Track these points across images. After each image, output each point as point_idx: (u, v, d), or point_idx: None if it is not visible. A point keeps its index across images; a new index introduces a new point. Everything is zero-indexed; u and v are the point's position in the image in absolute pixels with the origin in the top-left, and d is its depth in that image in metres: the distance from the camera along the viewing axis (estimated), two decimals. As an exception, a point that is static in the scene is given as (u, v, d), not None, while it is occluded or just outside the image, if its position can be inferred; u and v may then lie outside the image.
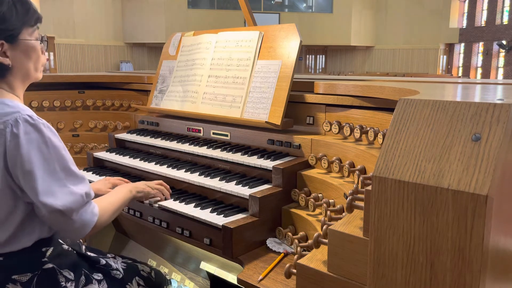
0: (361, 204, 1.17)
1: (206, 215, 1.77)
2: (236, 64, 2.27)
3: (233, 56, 2.31)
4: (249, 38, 2.26)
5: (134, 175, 2.34)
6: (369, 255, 0.99)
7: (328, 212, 1.53)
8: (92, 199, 1.40)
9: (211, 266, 2.19)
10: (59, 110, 2.96)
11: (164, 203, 1.90)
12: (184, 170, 2.12)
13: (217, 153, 2.11)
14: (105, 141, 2.87)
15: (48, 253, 1.40)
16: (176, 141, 2.38)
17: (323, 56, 22.41)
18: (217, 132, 2.32)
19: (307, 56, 22.26)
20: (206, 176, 2.01)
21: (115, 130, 2.92)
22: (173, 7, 18.17)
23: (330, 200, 1.70)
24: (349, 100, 1.95)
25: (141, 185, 1.82)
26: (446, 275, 0.88)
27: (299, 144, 1.99)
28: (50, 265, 1.39)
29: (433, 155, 0.91)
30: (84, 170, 2.48)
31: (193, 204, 1.87)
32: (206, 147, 2.22)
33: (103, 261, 1.59)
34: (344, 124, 1.89)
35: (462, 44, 22.77)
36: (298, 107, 2.14)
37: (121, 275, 1.62)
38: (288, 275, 1.38)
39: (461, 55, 23.18)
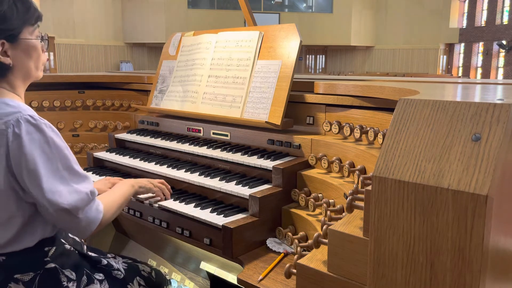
0: (361, 204, 1.17)
1: (206, 215, 1.77)
2: (236, 64, 2.27)
3: (233, 56, 2.31)
4: (249, 38, 2.26)
5: (134, 175, 2.34)
6: (369, 255, 0.99)
7: (328, 212, 1.53)
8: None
9: (211, 266, 2.19)
10: (59, 110, 2.96)
11: (164, 203, 1.91)
12: (184, 170, 2.12)
13: (217, 153, 2.11)
14: (105, 141, 2.87)
15: (51, 252, 1.40)
16: (176, 141, 2.38)
17: (323, 56, 22.41)
18: (217, 132, 2.32)
19: (307, 56, 22.26)
20: (206, 176, 2.01)
21: (115, 130, 2.92)
22: (173, 7, 18.17)
23: (330, 200, 1.70)
24: (349, 100, 1.95)
25: (143, 181, 1.83)
26: (446, 275, 0.88)
27: (299, 144, 1.99)
28: (52, 265, 1.39)
29: (433, 155, 0.91)
30: (84, 170, 2.48)
31: (193, 204, 1.87)
32: (206, 147, 2.22)
33: (104, 261, 1.59)
34: (344, 124, 1.89)
35: (462, 44, 22.78)
36: (298, 107, 2.14)
37: (122, 275, 1.62)
38: (288, 275, 1.38)
39: (461, 55, 23.19)
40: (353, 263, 1.12)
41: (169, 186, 1.99)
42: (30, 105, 2.75)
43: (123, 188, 1.68)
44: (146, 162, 2.30)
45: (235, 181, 1.92)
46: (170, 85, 2.64)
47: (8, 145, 1.25)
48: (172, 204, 1.90)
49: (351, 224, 1.18)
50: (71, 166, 1.33)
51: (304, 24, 18.82)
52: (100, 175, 2.36)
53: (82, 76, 3.14)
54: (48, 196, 1.26)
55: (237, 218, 1.74)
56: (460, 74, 22.64)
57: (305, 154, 1.97)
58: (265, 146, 2.12)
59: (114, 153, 2.52)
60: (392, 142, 0.97)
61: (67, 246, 1.47)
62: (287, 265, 1.39)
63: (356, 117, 1.92)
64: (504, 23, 20.60)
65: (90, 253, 1.58)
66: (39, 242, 1.37)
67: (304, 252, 1.47)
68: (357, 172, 1.65)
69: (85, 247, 1.59)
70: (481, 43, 22.05)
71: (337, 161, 1.81)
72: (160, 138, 2.48)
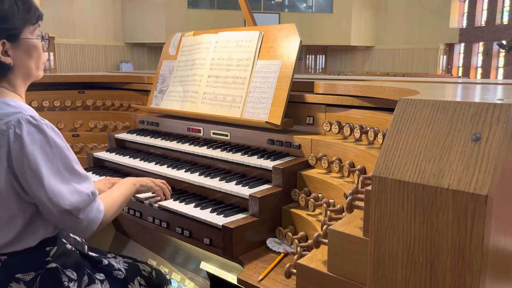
0: (361, 204, 1.17)
1: (206, 215, 1.77)
2: (236, 64, 2.27)
3: (233, 56, 2.31)
4: (249, 38, 2.26)
5: (134, 175, 2.33)
6: (369, 255, 0.99)
7: (328, 212, 1.53)
8: None
9: (211, 266, 2.19)
10: (59, 110, 2.96)
11: (164, 203, 1.91)
12: (184, 170, 2.12)
13: (217, 153, 2.11)
14: (105, 141, 2.87)
15: (52, 252, 1.40)
16: (176, 141, 2.38)
17: (323, 56, 22.41)
18: (217, 132, 2.32)
19: (307, 56, 22.26)
20: (206, 176, 2.01)
21: (115, 130, 2.92)
22: (173, 7, 18.17)
23: (330, 200, 1.70)
24: (349, 100, 1.95)
25: (145, 179, 1.83)
26: (446, 275, 0.88)
27: (299, 144, 1.99)
28: (53, 265, 1.40)
29: (433, 155, 0.91)
30: (84, 170, 2.48)
31: (193, 204, 1.87)
32: (206, 147, 2.22)
33: (105, 261, 1.59)
34: (344, 124, 1.89)
35: (462, 44, 22.78)
36: (298, 107, 2.14)
37: (123, 275, 1.62)
38: (288, 275, 1.38)
39: (461, 55, 23.19)
40: (353, 263, 1.12)
41: (170, 187, 1.99)
42: (30, 105, 2.74)
43: (124, 186, 1.68)
44: (146, 162, 2.30)
45: (235, 181, 1.92)
46: (170, 85, 2.64)
47: (10, 146, 1.25)
48: (172, 204, 1.90)
49: (351, 224, 1.18)
50: (72, 166, 1.33)
51: (304, 24, 18.82)
52: (100, 175, 2.36)
53: (82, 76, 3.14)
54: (51, 197, 1.26)
55: (237, 218, 1.74)
56: (460, 74, 22.64)
57: (305, 154, 1.97)
58: (265, 146, 2.12)
59: (114, 153, 2.52)
60: (392, 142, 0.97)
61: (69, 246, 1.48)
62: (287, 265, 1.39)
63: (356, 117, 1.92)
64: (504, 23, 20.60)
65: (91, 253, 1.58)
66: (40, 242, 1.37)
67: (304, 252, 1.47)
68: (357, 172, 1.65)
69: (86, 247, 1.60)
70: (481, 43, 22.05)
71: (337, 161, 1.81)
72: (160, 138, 2.48)
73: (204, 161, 2.20)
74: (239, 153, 2.07)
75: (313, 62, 22.55)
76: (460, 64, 23.25)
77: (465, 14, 22.57)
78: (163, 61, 2.78)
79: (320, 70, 22.48)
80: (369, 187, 1.01)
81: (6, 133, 1.25)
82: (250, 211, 1.77)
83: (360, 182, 1.42)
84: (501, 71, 21.36)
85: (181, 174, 2.07)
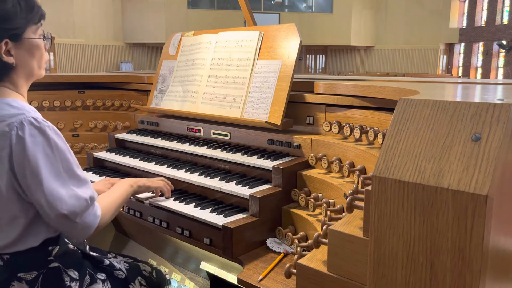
0: (361, 204, 1.17)
1: (206, 215, 1.77)
2: (236, 64, 2.27)
3: (233, 56, 2.31)
4: (249, 38, 2.26)
5: (134, 175, 2.34)
6: (369, 255, 0.99)
7: (328, 212, 1.53)
8: None
9: (211, 266, 2.19)
10: (59, 110, 2.96)
11: (164, 203, 1.91)
12: (184, 170, 2.12)
13: (217, 153, 2.11)
14: (105, 141, 2.87)
15: (54, 252, 1.40)
16: (176, 141, 2.38)
17: (323, 56, 22.41)
18: (217, 132, 2.32)
19: (307, 56, 22.26)
20: (206, 176, 2.01)
21: (115, 130, 2.92)
22: (173, 7, 18.17)
23: (330, 200, 1.70)
24: (349, 100, 1.95)
25: (142, 179, 1.83)
26: (446, 275, 0.88)
27: (299, 144, 1.99)
28: (55, 264, 1.40)
29: (433, 155, 0.91)
30: (84, 170, 2.48)
31: (193, 204, 1.87)
32: (206, 147, 2.22)
33: (106, 261, 1.60)
34: (344, 124, 1.89)
35: (462, 44, 22.78)
36: (298, 107, 2.14)
37: (124, 275, 1.62)
38: (288, 275, 1.38)
39: (461, 55, 23.19)
40: (353, 263, 1.12)
41: (169, 182, 1.99)
42: (30, 105, 2.75)
43: (121, 188, 1.67)
44: (146, 162, 2.30)
45: (235, 181, 1.92)
46: (170, 85, 2.64)
47: (12, 147, 1.25)
48: (172, 204, 1.90)
49: (351, 224, 1.18)
50: (72, 169, 1.33)
51: (304, 24, 18.82)
52: (100, 175, 2.36)
53: (82, 76, 3.14)
54: (49, 199, 1.26)
55: (237, 218, 1.74)
56: (460, 74, 22.64)
57: (305, 154, 1.97)
58: (265, 146, 2.12)
59: (114, 153, 2.52)
60: (392, 142, 0.97)
61: (71, 246, 1.48)
62: (287, 265, 1.39)
63: (356, 117, 1.92)
64: (504, 23, 20.61)
65: (92, 253, 1.58)
66: (43, 242, 1.38)
67: (304, 252, 1.47)
68: (357, 172, 1.65)
69: (87, 247, 1.60)
70: (481, 43, 22.06)
71: (337, 161, 1.81)
72: (160, 138, 2.48)
73: (204, 161, 2.20)
74: (239, 153, 2.07)
75: (313, 62, 22.56)
76: (460, 64, 23.26)
77: (465, 14, 22.57)
78: (163, 61, 2.78)
79: (320, 70, 22.48)
80: (369, 187, 1.01)
81: (9, 135, 1.25)
82: (250, 211, 1.77)
83: (360, 182, 1.42)
84: (501, 71, 21.36)
85: (181, 174, 2.07)
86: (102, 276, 1.55)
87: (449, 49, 22.81)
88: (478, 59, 22.46)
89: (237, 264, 1.71)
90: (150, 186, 1.86)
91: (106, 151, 2.59)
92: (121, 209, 1.64)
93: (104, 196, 1.56)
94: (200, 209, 1.83)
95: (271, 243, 1.75)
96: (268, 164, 1.89)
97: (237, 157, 2.02)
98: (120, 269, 1.63)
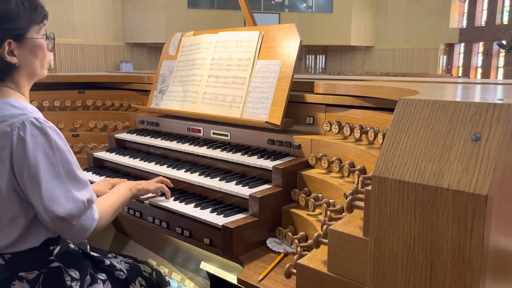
0: (361, 204, 1.17)
1: (206, 215, 1.77)
2: (236, 64, 2.27)
3: (233, 56, 2.31)
4: (249, 38, 2.26)
5: (134, 175, 2.34)
6: (369, 255, 0.99)
7: (328, 212, 1.53)
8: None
9: (211, 266, 2.19)
10: (59, 110, 2.96)
11: (164, 203, 1.91)
12: (184, 170, 2.12)
13: (217, 153, 2.11)
14: (105, 141, 2.87)
15: (55, 251, 1.40)
16: (176, 141, 2.38)
17: (323, 56, 22.41)
18: (217, 132, 2.32)
19: (307, 56, 22.26)
20: (206, 176, 2.01)
21: (115, 130, 2.93)
22: (173, 7, 18.16)
23: (330, 200, 1.70)
24: (349, 100, 1.95)
25: (142, 183, 1.83)
26: (446, 275, 0.88)
27: (299, 144, 1.99)
28: (56, 264, 1.40)
29: (433, 155, 0.91)
30: (84, 170, 2.48)
31: (193, 204, 1.87)
32: (206, 147, 2.22)
33: (107, 262, 1.60)
34: (344, 124, 1.89)
35: (462, 44, 22.78)
36: (298, 107, 2.14)
37: (124, 276, 1.62)
38: (288, 275, 1.38)
39: (461, 55, 23.19)
40: (353, 263, 1.12)
41: (169, 181, 1.99)
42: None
43: (120, 191, 1.67)
44: (146, 162, 2.30)
45: (235, 181, 1.92)
46: (170, 85, 2.64)
47: (13, 148, 1.25)
48: (172, 204, 1.90)
49: (351, 224, 1.18)
50: (73, 170, 1.33)
51: (304, 24, 18.82)
52: (100, 175, 2.36)
53: (82, 76, 3.14)
54: (45, 203, 1.26)
55: (237, 218, 1.74)
56: (460, 74, 22.64)
57: (305, 154, 1.97)
58: (265, 146, 2.12)
59: (114, 153, 2.52)
60: (392, 142, 0.97)
61: (72, 246, 1.48)
62: (287, 265, 1.39)
63: (356, 117, 1.92)
64: (504, 23, 20.61)
65: (93, 253, 1.58)
66: (44, 242, 1.38)
67: (304, 252, 1.47)
68: (357, 172, 1.65)
69: (88, 247, 1.60)
70: (481, 43, 22.06)
71: (337, 161, 1.81)
72: (160, 138, 2.48)
73: (204, 161, 2.20)
74: (239, 153, 2.07)
75: (313, 62, 22.55)
76: (460, 64, 23.26)
77: (465, 14, 22.58)
78: (163, 61, 2.78)
79: (320, 70, 22.48)
80: (369, 187, 1.01)
81: (10, 135, 1.25)
82: (250, 211, 1.77)
83: (360, 182, 1.42)
84: (501, 71, 21.36)
85: (181, 174, 2.07)
86: (102, 276, 1.55)
87: (449, 49, 22.81)
88: (478, 59, 22.46)
89: (237, 264, 1.71)
90: (149, 189, 1.86)
91: (106, 151, 2.59)
92: (121, 209, 1.64)
93: (103, 199, 1.55)
94: (200, 209, 1.83)
95: (271, 243, 1.75)
96: (268, 164, 1.89)
97: (237, 157, 2.02)
98: (121, 270, 1.63)
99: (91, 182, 1.87)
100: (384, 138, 1.09)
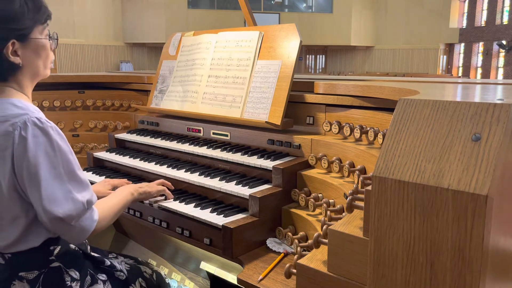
0: (361, 204, 1.17)
1: (206, 215, 1.77)
2: (236, 64, 2.27)
3: (233, 56, 2.31)
4: (249, 38, 2.26)
5: (134, 175, 2.34)
6: (369, 255, 0.99)
7: (328, 212, 1.53)
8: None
9: (211, 266, 2.19)
10: (59, 110, 2.96)
11: (164, 203, 1.91)
12: (184, 170, 2.12)
13: (217, 153, 2.11)
14: (105, 141, 2.87)
15: (56, 251, 1.40)
16: (176, 141, 2.38)
17: (323, 56, 22.41)
18: (217, 132, 2.32)
19: (307, 56, 22.26)
20: (206, 176, 2.01)
21: (115, 130, 2.93)
22: (173, 7, 18.16)
23: (330, 200, 1.70)
24: (349, 100, 1.95)
25: (143, 186, 1.82)
26: (446, 275, 0.88)
27: (299, 144, 1.99)
28: (57, 264, 1.40)
29: (433, 155, 0.91)
30: (84, 170, 2.48)
31: (193, 204, 1.87)
32: (206, 147, 2.22)
33: (107, 262, 1.60)
34: (344, 124, 1.89)
35: (462, 44, 22.78)
36: (298, 107, 2.14)
37: (124, 277, 1.62)
38: (288, 275, 1.38)
39: (461, 55, 23.19)
40: (353, 263, 1.12)
41: (170, 184, 1.99)
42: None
43: (121, 195, 1.66)
44: (146, 162, 2.30)
45: (235, 181, 1.92)
46: (170, 85, 2.64)
47: (14, 148, 1.25)
48: (172, 204, 1.90)
49: (351, 224, 1.18)
50: (73, 171, 1.33)
51: (304, 24, 18.81)
52: (100, 175, 2.37)
53: (82, 76, 3.14)
54: (44, 204, 1.26)
55: (237, 218, 1.74)
56: (460, 74, 22.64)
57: (305, 154, 1.97)
58: (265, 146, 2.12)
59: (114, 153, 2.52)
60: (392, 142, 0.97)
61: (72, 246, 1.48)
62: (287, 265, 1.39)
63: (356, 117, 1.92)
64: (504, 23, 20.61)
65: (93, 254, 1.58)
66: (44, 242, 1.38)
67: (304, 252, 1.47)
68: (357, 172, 1.65)
69: (88, 247, 1.60)
70: (481, 43, 22.06)
71: (337, 161, 1.81)
72: (160, 138, 2.48)
73: (204, 161, 2.20)
74: (239, 153, 2.07)
75: (313, 62, 22.55)
76: (460, 64, 23.25)
77: (465, 14, 22.57)
78: (163, 61, 2.78)
79: (320, 70, 22.47)
80: (369, 187, 1.01)
81: (12, 135, 1.25)
82: (250, 211, 1.77)
83: (360, 182, 1.42)
84: (501, 71, 21.36)
85: (181, 174, 2.07)
86: (103, 276, 1.55)
87: (449, 49, 22.81)
88: (478, 59, 22.46)
89: (237, 264, 1.71)
90: (151, 192, 1.85)
91: (106, 151, 2.59)
92: (122, 212, 1.63)
93: (104, 201, 1.55)
94: (200, 209, 1.83)
95: (271, 243, 1.75)
96: (268, 164, 1.89)
97: (237, 157, 2.02)
98: (121, 270, 1.63)
99: (91, 183, 1.87)
100: (384, 138, 1.09)
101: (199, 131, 2.42)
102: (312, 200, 1.75)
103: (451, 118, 0.92)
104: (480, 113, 0.89)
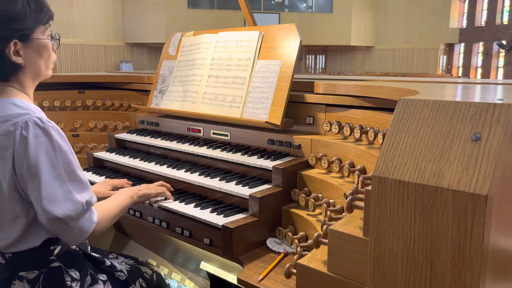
0: (361, 204, 1.17)
1: (206, 215, 1.77)
2: (236, 64, 2.27)
3: (233, 56, 2.31)
4: (249, 38, 2.26)
5: (134, 175, 2.34)
6: (369, 255, 0.99)
7: (328, 212, 1.53)
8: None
9: (211, 266, 2.19)
10: (59, 110, 2.96)
11: (164, 203, 1.91)
12: (184, 170, 2.12)
13: (217, 153, 2.11)
14: (105, 141, 2.87)
15: (56, 251, 1.40)
16: (176, 141, 2.38)
17: (323, 56, 22.41)
18: (217, 132, 2.32)
19: (307, 56, 22.26)
20: (206, 176, 2.01)
21: (115, 130, 2.93)
22: (173, 7, 18.15)
23: (330, 200, 1.70)
24: (349, 100, 1.95)
25: (143, 189, 1.81)
26: (446, 275, 0.88)
27: (299, 144, 1.99)
28: (57, 264, 1.40)
29: (433, 155, 0.91)
30: (84, 170, 2.48)
31: (193, 204, 1.87)
32: (206, 147, 2.22)
33: (108, 262, 1.60)
34: (344, 124, 1.89)
35: (462, 44, 22.78)
36: (298, 107, 2.14)
37: (124, 277, 1.62)
38: (288, 275, 1.38)
39: (461, 55, 23.19)
40: (353, 263, 1.12)
41: (169, 185, 1.99)
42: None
43: (121, 197, 1.66)
44: (146, 162, 2.30)
45: (235, 181, 1.92)
46: (170, 85, 2.64)
47: (15, 147, 1.25)
48: (172, 204, 1.90)
49: (351, 224, 1.18)
50: (74, 171, 1.33)
51: (304, 24, 18.81)
52: (100, 175, 2.36)
53: (82, 76, 3.14)
54: (44, 203, 1.26)
55: (237, 218, 1.74)
56: (460, 74, 22.64)
57: (305, 154, 1.97)
58: (265, 146, 2.12)
59: (114, 153, 2.52)
60: (392, 142, 0.97)
61: (72, 246, 1.48)
62: (287, 265, 1.39)
63: (356, 117, 1.92)
64: (504, 23, 20.61)
65: (93, 254, 1.58)
66: (44, 241, 1.38)
67: (304, 252, 1.47)
68: (357, 172, 1.65)
69: (89, 247, 1.60)
70: (481, 43, 22.06)
71: (337, 161, 1.81)
72: (160, 138, 2.48)
73: (204, 161, 2.20)
74: (239, 153, 2.07)
75: (313, 62, 22.55)
76: (460, 64, 23.25)
77: (465, 14, 22.57)
78: (163, 61, 2.78)
79: (320, 70, 22.47)
80: (369, 187, 1.01)
81: (13, 134, 1.26)
82: (250, 211, 1.77)
83: (360, 182, 1.42)
84: (501, 71, 21.36)
85: (181, 174, 2.07)
86: (103, 277, 1.55)
87: (449, 49, 22.81)
88: (478, 59, 22.46)
89: (237, 264, 1.71)
90: (151, 195, 1.85)
91: (106, 151, 2.59)
92: (121, 215, 1.63)
93: (103, 203, 1.55)
94: (200, 209, 1.83)
95: (271, 243, 1.75)
96: (268, 164, 1.89)
97: (237, 157, 2.02)
98: (121, 271, 1.63)
99: (91, 183, 1.87)
100: (384, 138, 1.09)
101: (199, 131, 2.42)
102: (312, 200, 1.75)
103: (451, 118, 0.92)
104: (480, 113, 0.89)
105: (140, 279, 1.68)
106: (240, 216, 1.76)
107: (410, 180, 0.91)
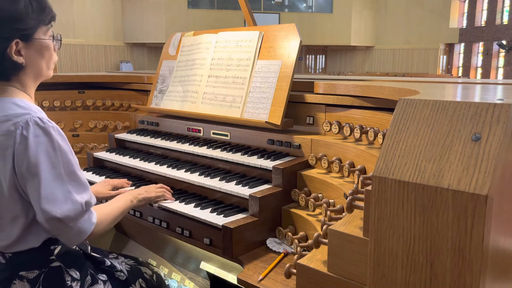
0: (361, 204, 1.17)
1: (206, 215, 1.77)
2: (236, 64, 2.27)
3: (233, 56, 2.31)
4: (249, 38, 2.26)
5: (134, 175, 2.34)
6: (369, 255, 0.99)
7: (328, 212, 1.53)
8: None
9: (211, 266, 2.19)
10: (59, 110, 2.96)
11: (164, 203, 1.91)
12: (184, 170, 2.12)
13: (217, 153, 2.11)
14: (105, 141, 2.87)
15: (56, 251, 1.41)
16: (176, 141, 2.38)
17: (323, 56, 22.40)
18: (217, 132, 2.32)
19: (307, 56, 22.25)
20: (206, 176, 2.01)
21: (115, 130, 2.93)
22: (173, 7, 18.15)
23: (330, 200, 1.70)
24: (349, 100, 1.95)
25: (142, 193, 1.81)
26: (446, 275, 0.88)
27: (299, 144, 1.99)
28: (57, 263, 1.40)
29: (433, 155, 0.91)
30: (84, 170, 2.48)
31: (193, 204, 1.87)
32: (206, 147, 2.22)
33: (108, 262, 1.60)
34: (344, 124, 1.89)
35: (462, 44, 22.77)
36: (298, 107, 2.14)
37: (124, 277, 1.62)
38: (288, 275, 1.38)
39: (461, 55, 23.19)
40: (353, 263, 1.12)
41: (168, 188, 1.98)
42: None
43: (121, 201, 1.66)
44: (146, 162, 2.30)
45: (235, 181, 1.92)
46: (170, 85, 2.64)
47: (15, 147, 1.25)
48: (172, 204, 1.90)
49: (351, 224, 1.18)
50: (73, 171, 1.33)
51: (304, 24, 18.81)
52: (100, 175, 2.36)
53: (82, 76, 3.14)
54: (43, 203, 1.25)
55: (237, 218, 1.74)
56: (460, 74, 22.64)
57: (305, 154, 1.97)
58: (265, 146, 2.12)
59: (114, 153, 2.52)
60: (392, 142, 0.97)
61: (73, 246, 1.48)
62: (287, 265, 1.39)
63: (356, 117, 1.92)
64: (504, 23, 20.60)
65: (94, 254, 1.58)
66: (44, 241, 1.38)
67: (304, 252, 1.47)
68: (357, 172, 1.65)
69: (89, 247, 1.60)
70: (481, 43, 22.06)
71: (337, 161, 1.81)
72: (160, 138, 2.48)
73: (204, 161, 2.20)
74: (239, 153, 2.07)
75: (313, 62, 22.54)
76: (460, 64, 23.25)
77: (465, 14, 22.57)
78: (163, 61, 2.78)
79: (320, 70, 22.47)
80: (369, 187, 1.01)
81: (14, 134, 1.26)
82: (250, 211, 1.77)
83: (360, 182, 1.42)
84: (501, 71, 21.36)
85: (181, 174, 2.07)
86: (103, 277, 1.55)
87: (449, 49, 22.80)
88: (478, 59, 22.46)
89: (237, 264, 1.71)
90: (150, 198, 1.84)
91: (106, 151, 2.59)
92: (120, 218, 1.62)
93: (102, 206, 1.55)
94: (200, 209, 1.83)
95: (271, 243, 1.75)
96: (268, 164, 1.89)
97: (237, 157, 2.02)
98: (121, 271, 1.63)
99: (91, 183, 1.87)
100: (384, 138, 1.09)
101: (199, 131, 2.42)
102: (312, 200, 1.75)
103: (451, 118, 0.92)
104: (480, 113, 0.89)
105: (140, 279, 1.68)
106: (240, 216, 1.76)
107: (410, 180, 0.91)
